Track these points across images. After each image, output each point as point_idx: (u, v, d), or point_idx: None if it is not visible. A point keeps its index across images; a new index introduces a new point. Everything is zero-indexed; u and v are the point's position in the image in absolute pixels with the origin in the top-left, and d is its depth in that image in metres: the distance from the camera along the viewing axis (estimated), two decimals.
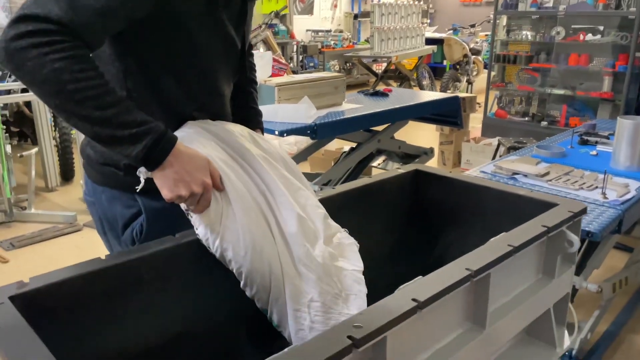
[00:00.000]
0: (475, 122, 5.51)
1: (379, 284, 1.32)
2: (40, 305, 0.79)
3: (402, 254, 1.38)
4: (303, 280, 0.95)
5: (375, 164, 3.83)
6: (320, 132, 2.48)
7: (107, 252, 1.13)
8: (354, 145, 3.20)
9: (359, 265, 1.03)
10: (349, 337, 0.66)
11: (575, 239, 1.05)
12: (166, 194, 0.91)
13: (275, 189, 0.99)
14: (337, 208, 1.21)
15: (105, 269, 0.86)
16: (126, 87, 0.98)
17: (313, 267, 0.95)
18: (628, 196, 1.78)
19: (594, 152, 2.32)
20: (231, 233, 0.93)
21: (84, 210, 3.52)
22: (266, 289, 0.95)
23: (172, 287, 0.95)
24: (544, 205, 1.15)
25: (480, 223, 1.27)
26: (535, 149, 2.32)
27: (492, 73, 5.50)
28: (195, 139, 0.98)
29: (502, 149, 4.00)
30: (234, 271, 0.94)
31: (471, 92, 7.21)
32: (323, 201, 1.16)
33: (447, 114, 3.48)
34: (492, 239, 0.97)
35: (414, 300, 0.75)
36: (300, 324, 0.95)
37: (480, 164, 2.16)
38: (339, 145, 4.29)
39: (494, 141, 4.55)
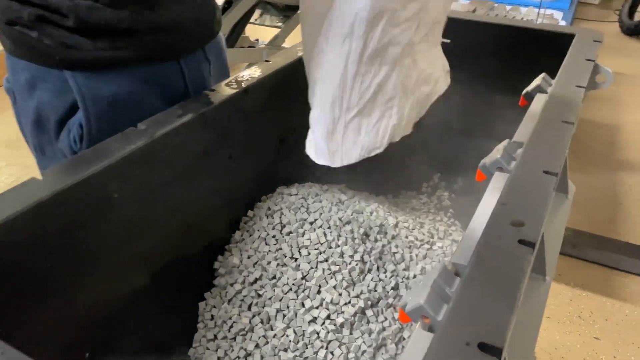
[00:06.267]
0: None
1: None
2: None
3: None
4: None
5: (252, 19, 3.39)
6: None
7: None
8: None
9: None
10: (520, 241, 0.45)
11: (609, 71, 0.92)
12: None
13: None
14: None
15: (53, 197, 0.52)
16: None
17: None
18: (562, 23, 1.73)
19: None
20: None
21: None
22: None
23: (152, 200, 0.64)
24: (557, 38, 0.99)
25: (481, 69, 1.07)
26: None
27: None
28: None
29: None
30: None
31: None
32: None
33: None
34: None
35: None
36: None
37: None
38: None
39: None
